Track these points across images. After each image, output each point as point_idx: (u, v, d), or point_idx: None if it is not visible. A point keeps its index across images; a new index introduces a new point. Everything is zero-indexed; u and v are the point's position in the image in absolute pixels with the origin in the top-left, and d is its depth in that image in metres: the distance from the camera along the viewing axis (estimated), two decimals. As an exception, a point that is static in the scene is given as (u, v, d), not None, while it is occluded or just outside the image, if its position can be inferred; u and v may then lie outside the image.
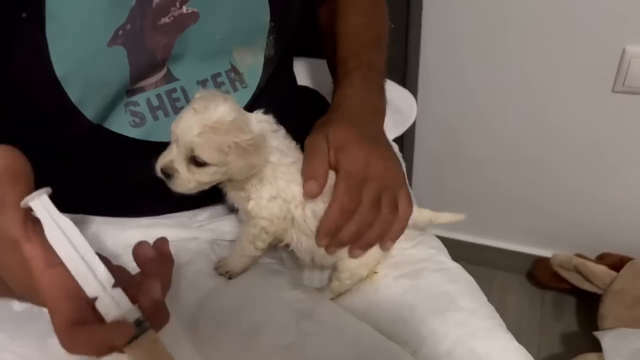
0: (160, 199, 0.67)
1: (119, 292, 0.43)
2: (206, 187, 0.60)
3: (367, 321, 0.63)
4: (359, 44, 0.76)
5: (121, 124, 0.63)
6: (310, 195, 0.62)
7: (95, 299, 0.42)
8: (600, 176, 1.37)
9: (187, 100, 0.65)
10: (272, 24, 0.67)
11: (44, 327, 0.59)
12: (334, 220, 0.62)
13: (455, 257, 0.76)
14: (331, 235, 0.63)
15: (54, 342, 0.58)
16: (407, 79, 1.34)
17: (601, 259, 1.46)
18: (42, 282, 0.42)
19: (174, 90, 0.64)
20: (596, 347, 1.25)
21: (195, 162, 0.57)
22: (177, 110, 0.65)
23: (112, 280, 0.43)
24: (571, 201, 1.45)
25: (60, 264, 0.42)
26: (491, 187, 1.49)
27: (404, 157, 1.09)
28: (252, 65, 0.69)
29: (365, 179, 0.62)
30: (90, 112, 0.59)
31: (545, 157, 1.39)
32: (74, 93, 0.57)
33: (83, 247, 0.43)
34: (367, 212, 0.62)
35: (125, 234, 0.66)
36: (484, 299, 0.68)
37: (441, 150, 1.47)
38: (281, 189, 0.63)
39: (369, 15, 0.79)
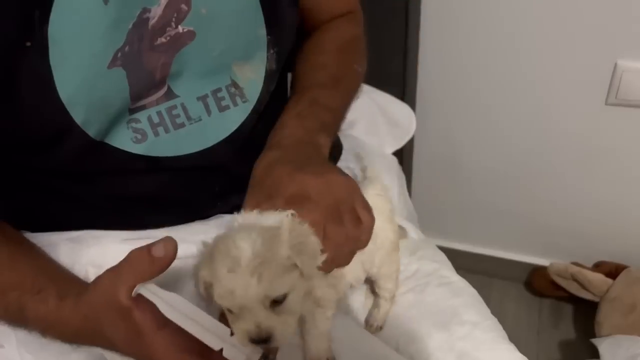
0: (162, 211, 0.69)
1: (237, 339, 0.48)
2: (297, 315, 0.53)
3: (376, 335, 0.65)
4: (308, 83, 0.73)
5: (123, 141, 0.64)
6: None
7: (221, 350, 0.47)
8: (595, 186, 1.39)
9: (187, 117, 0.66)
10: (269, 37, 0.68)
11: (65, 347, 0.61)
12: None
13: (454, 266, 0.77)
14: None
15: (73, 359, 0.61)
16: (406, 93, 1.35)
17: (597, 267, 1.48)
18: (155, 342, 0.46)
19: (174, 107, 0.66)
20: (593, 353, 1.27)
21: (275, 303, 0.50)
22: (177, 127, 0.66)
23: (229, 330, 0.48)
24: (567, 211, 1.46)
25: (168, 326, 0.46)
26: (489, 197, 1.51)
27: (403, 170, 1.10)
28: (253, 79, 0.70)
29: (304, 200, 0.54)
30: (93, 131, 0.61)
31: (541, 168, 1.41)
32: (78, 115, 0.59)
33: (193, 312, 0.48)
34: (333, 232, 0.54)
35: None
36: (487, 311, 0.70)
37: (440, 162, 1.49)
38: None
39: (329, 56, 0.77)
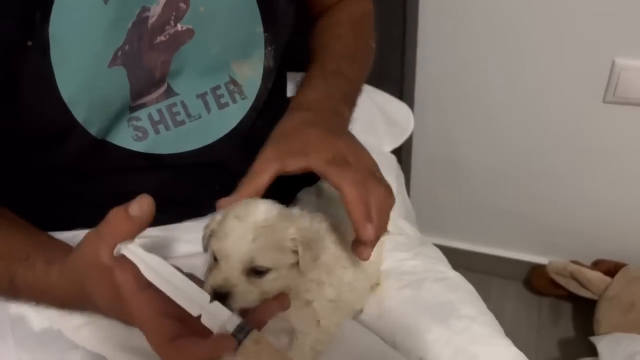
0: (163, 210, 0.69)
1: (216, 305, 0.48)
2: (268, 295, 0.53)
3: (372, 331, 0.65)
4: (329, 53, 0.74)
5: (125, 138, 0.65)
6: None
7: (199, 317, 0.47)
8: (594, 185, 1.40)
9: (187, 114, 0.67)
10: (267, 34, 0.69)
11: (63, 345, 0.62)
12: (358, 197, 0.53)
13: (453, 264, 0.77)
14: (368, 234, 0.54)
15: (73, 357, 0.62)
16: (404, 92, 1.36)
17: (596, 265, 1.48)
18: (133, 304, 0.46)
19: (174, 104, 0.66)
20: (592, 351, 1.28)
21: (255, 272, 0.51)
22: (177, 124, 0.67)
23: (208, 297, 0.48)
24: (566, 209, 1.47)
25: (149, 288, 0.47)
26: (488, 196, 1.52)
27: (402, 169, 1.10)
28: (251, 76, 0.70)
29: (346, 162, 0.55)
30: (94, 129, 0.61)
31: (540, 166, 1.42)
32: (79, 113, 0.59)
33: (174, 276, 0.48)
34: (375, 189, 0.55)
35: None
36: (483, 306, 0.70)
37: (438, 161, 1.50)
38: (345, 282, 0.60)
39: (345, 28, 0.78)
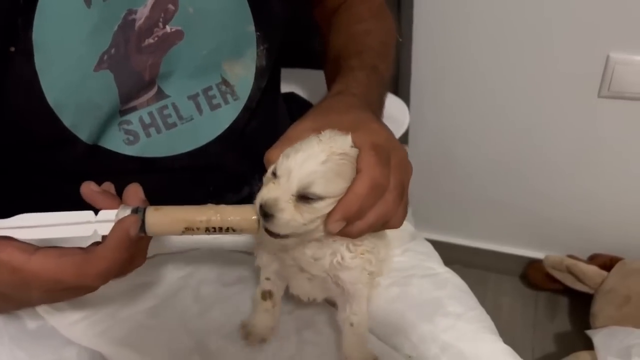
0: None
1: (103, 214, 0.48)
2: (309, 227, 0.49)
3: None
4: (362, 47, 0.70)
5: (116, 143, 0.64)
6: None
7: (95, 235, 0.47)
8: (589, 179, 1.40)
9: (178, 116, 0.67)
10: (259, 33, 0.68)
11: (58, 342, 0.62)
12: (361, 199, 0.48)
13: (450, 260, 0.77)
14: (349, 219, 0.48)
15: (68, 354, 0.62)
16: (400, 88, 1.36)
17: (592, 259, 1.49)
18: (32, 269, 0.46)
19: (165, 107, 0.66)
20: (589, 345, 1.28)
21: (306, 198, 0.48)
22: (169, 127, 0.66)
23: (91, 213, 0.48)
24: (562, 204, 1.47)
25: (37, 249, 0.47)
26: (484, 191, 1.52)
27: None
28: (244, 76, 0.69)
29: (389, 161, 0.50)
30: (84, 134, 0.61)
31: (535, 161, 1.42)
32: (67, 118, 0.59)
33: (49, 219, 0.47)
34: (392, 202, 0.50)
35: None
36: (472, 302, 0.69)
37: (434, 156, 1.50)
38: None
39: (370, 23, 0.76)
